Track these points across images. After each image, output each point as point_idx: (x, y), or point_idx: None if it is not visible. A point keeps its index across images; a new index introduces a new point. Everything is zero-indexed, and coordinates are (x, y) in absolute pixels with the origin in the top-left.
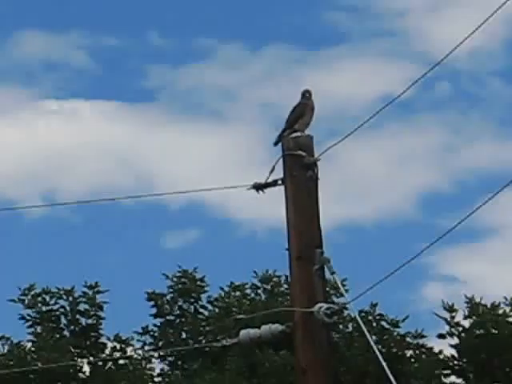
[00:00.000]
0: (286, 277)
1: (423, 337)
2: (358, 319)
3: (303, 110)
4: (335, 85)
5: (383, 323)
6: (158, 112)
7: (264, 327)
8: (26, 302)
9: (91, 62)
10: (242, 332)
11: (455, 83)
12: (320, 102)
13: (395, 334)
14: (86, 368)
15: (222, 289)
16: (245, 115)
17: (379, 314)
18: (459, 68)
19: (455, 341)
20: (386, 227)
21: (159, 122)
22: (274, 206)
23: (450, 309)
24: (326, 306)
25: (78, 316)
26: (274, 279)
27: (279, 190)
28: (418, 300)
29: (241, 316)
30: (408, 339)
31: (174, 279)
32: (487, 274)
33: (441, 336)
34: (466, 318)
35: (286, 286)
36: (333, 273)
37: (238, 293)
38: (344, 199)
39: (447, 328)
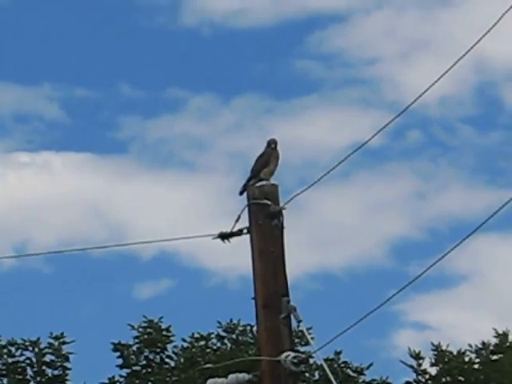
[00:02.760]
0: (251, 326)
1: None
2: (325, 367)
3: (268, 159)
4: (306, 134)
5: (348, 371)
6: (130, 163)
7: (231, 376)
8: None
9: (63, 113)
10: (209, 382)
11: (426, 131)
12: (291, 151)
13: (360, 381)
14: None
15: (184, 340)
16: (215, 165)
17: (344, 362)
18: (430, 115)
19: None
20: (356, 275)
21: (131, 173)
22: (244, 255)
23: (417, 356)
24: (292, 354)
25: (44, 367)
26: (240, 328)
27: (248, 239)
28: (388, 347)
29: (207, 366)
30: None
31: (140, 329)
32: (457, 320)
33: (408, 383)
34: (432, 365)
35: (250, 335)
36: (299, 321)
37: (202, 342)
38: (314, 247)
39: (414, 375)
